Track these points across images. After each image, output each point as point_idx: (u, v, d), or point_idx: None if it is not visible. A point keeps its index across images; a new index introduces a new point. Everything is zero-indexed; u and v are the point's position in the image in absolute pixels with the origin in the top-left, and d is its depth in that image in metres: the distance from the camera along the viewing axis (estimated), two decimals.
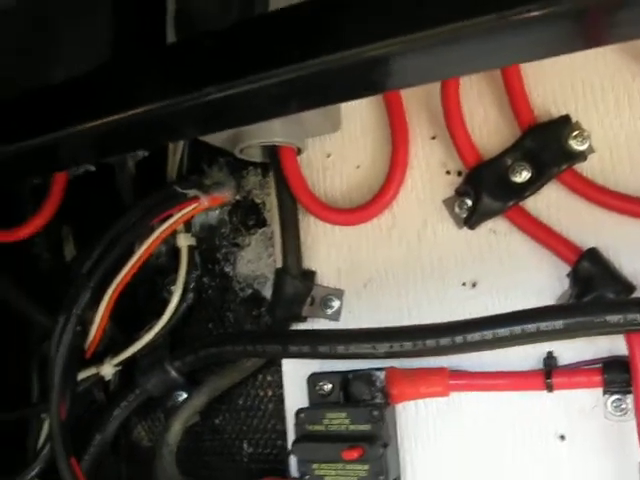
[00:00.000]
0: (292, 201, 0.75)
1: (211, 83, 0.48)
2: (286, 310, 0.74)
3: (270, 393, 0.82)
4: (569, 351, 0.67)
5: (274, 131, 0.71)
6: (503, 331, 0.61)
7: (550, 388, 0.65)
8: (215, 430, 0.85)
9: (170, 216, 0.80)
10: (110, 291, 0.81)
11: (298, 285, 0.74)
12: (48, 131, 0.53)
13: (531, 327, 0.61)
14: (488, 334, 0.62)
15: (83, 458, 0.84)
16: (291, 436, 0.73)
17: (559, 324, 0.60)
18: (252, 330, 0.82)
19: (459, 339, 0.63)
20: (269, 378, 0.82)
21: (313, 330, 0.74)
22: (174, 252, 0.85)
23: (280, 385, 0.80)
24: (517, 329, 0.61)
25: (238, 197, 0.84)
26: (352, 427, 0.69)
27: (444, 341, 0.63)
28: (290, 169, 0.74)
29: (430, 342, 0.64)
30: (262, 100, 0.49)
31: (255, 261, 0.83)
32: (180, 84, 0.50)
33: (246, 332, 0.82)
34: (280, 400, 0.81)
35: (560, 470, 0.67)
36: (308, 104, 0.55)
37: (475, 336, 0.62)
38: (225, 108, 0.51)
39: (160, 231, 0.80)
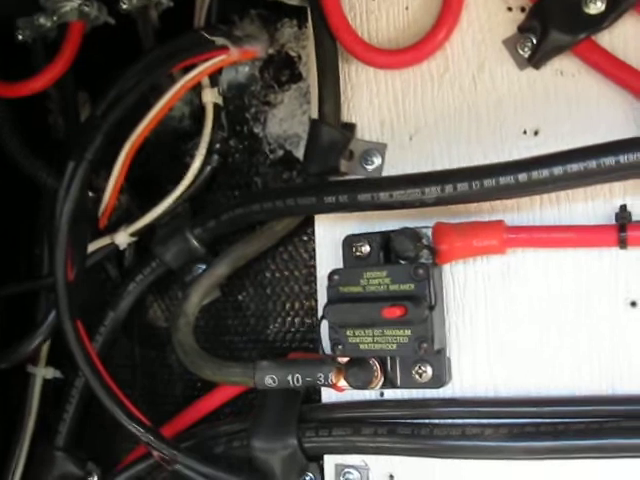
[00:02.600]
0: (332, 43, 0.67)
1: None
2: (321, 162, 0.66)
3: (300, 266, 0.74)
4: None
5: None
6: (576, 167, 0.53)
7: (623, 244, 0.57)
8: (238, 307, 0.77)
9: (194, 66, 0.72)
10: (125, 149, 0.73)
11: (335, 134, 0.66)
12: None
13: (609, 161, 0.53)
14: (558, 170, 0.54)
15: (94, 339, 0.76)
16: (322, 307, 0.64)
17: None
18: (282, 186, 0.74)
19: (523, 177, 0.55)
20: (300, 249, 0.74)
21: (351, 179, 0.66)
22: (198, 115, 0.77)
23: (311, 257, 0.72)
24: (592, 164, 0.53)
25: (271, 51, 0.76)
26: (393, 287, 0.61)
27: (505, 180, 0.55)
28: (331, 5, 0.66)
29: (489, 182, 0.56)
30: None
31: (288, 119, 0.75)
32: None
33: (275, 188, 0.74)
34: (310, 274, 0.73)
35: (629, 341, 0.59)
36: None
37: (543, 173, 0.54)
38: None
39: (183, 82, 0.72)
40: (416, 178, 0.59)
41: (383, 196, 0.59)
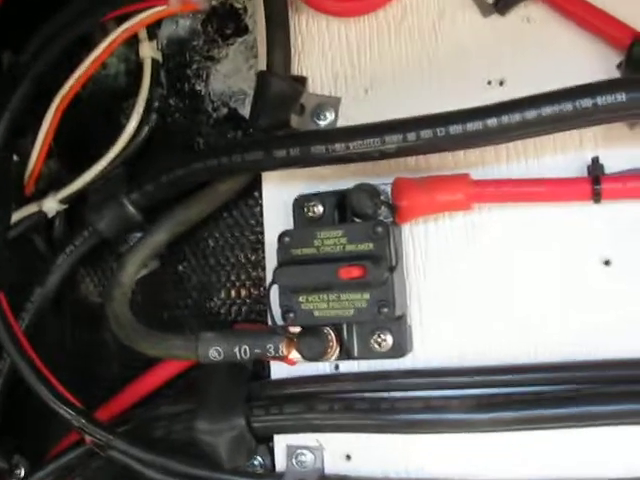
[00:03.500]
0: None
1: None
2: (269, 116, 0.61)
3: (247, 232, 0.68)
4: (617, 161, 0.54)
5: None
6: (550, 110, 0.49)
7: (598, 197, 0.53)
8: (178, 279, 0.71)
9: (129, 16, 0.66)
10: (54, 105, 0.67)
11: (285, 87, 0.61)
12: None
13: (586, 103, 0.48)
14: (531, 114, 0.49)
15: (20, 316, 0.70)
16: (272, 271, 0.59)
17: (621, 97, 0.48)
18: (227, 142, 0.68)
19: (492, 123, 0.50)
20: (245, 214, 0.68)
21: (303, 131, 0.61)
22: (135, 72, 0.71)
23: (258, 222, 0.67)
24: (568, 106, 0.49)
25: (214, 2, 0.70)
26: (350, 247, 0.56)
27: (473, 126, 0.51)
28: None
29: (455, 129, 0.51)
30: None
31: (232, 75, 0.69)
32: None
33: (219, 145, 0.69)
34: (258, 241, 0.68)
35: (602, 302, 0.55)
36: None
37: (514, 117, 0.50)
38: None
39: (117, 33, 0.66)
40: (375, 127, 0.54)
41: (339, 147, 0.54)
